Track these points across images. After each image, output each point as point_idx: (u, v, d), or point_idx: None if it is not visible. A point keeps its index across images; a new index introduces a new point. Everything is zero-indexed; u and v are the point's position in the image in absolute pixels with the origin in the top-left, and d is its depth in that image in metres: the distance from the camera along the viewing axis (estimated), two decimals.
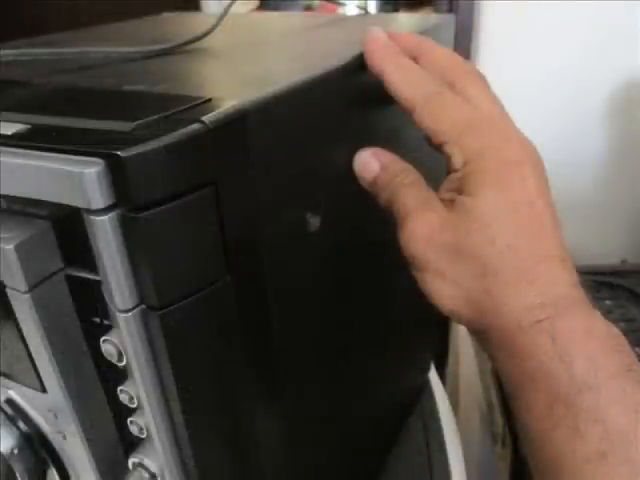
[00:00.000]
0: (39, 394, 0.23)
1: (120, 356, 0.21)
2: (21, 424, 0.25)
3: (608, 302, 0.81)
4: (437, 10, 1.00)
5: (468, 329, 0.27)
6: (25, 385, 0.24)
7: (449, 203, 0.26)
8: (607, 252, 1.02)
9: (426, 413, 0.56)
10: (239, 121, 0.21)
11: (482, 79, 0.29)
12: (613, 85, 0.97)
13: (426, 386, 0.60)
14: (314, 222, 0.27)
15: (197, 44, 0.34)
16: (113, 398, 0.23)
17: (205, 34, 0.34)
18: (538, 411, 0.23)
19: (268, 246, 0.24)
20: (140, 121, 0.19)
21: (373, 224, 0.33)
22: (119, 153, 0.17)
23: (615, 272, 0.88)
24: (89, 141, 0.18)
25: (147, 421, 0.22)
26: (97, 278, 0.20)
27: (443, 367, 1.02)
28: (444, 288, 0.26)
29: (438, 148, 0.27)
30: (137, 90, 0.24)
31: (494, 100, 0.28)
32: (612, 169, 1.03)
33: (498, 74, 0.49)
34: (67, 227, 0.20)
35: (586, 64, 0.96)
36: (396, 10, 1.14)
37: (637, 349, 0.64)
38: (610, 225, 1.07)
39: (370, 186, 0.29)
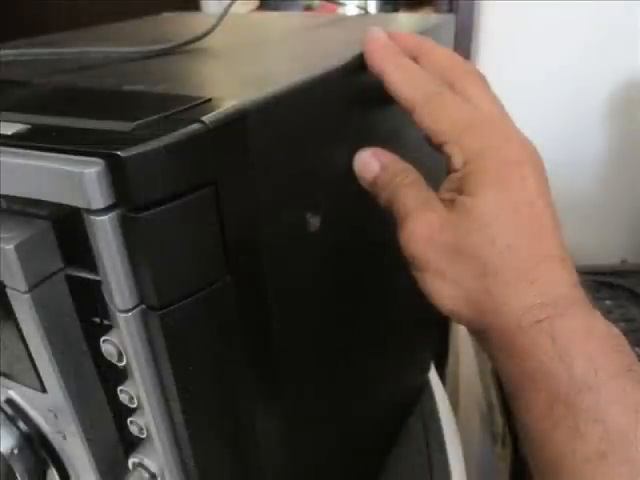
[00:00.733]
0: (39, 394, 0.23)
1: (120, 356, 0.21)
2: (21, 424, 0.25)
3: (608, 302, 0.81)
4: (437, 10, 1.00)
5: (468, 329, 0.27)
6: (25, 385, 0.24)
7: (449, 203, 0.26)
8: (607, 252, 1.02)
9: (426, 413, 0.56)
10: (239, 121, 0.21)
11: (482, 79, 0.29)
12: (613, 85, 0.97)
13: (426, 386, 0.60)
14: (314, 222, 0.27)
15: (197, 44, 0.34)
16: (113, 398, 0.23)
17: (205, 34, 0.34)
18: (538, 411, 0.23)
19: (268, 246, 0.24)
20: (140, 121, 0.19)
21: (373, 224, 0.33)
22: (119, 153, 0.17)
23: (615, 272, 0.88)
24: (89, 141, 0.18)
25: (147, 421, 0.22)
26: (97, 278, 0.20)
27: (443, 367, 1.02)
28: (444, 288, 0.26)
29: (438, 148, 0.27)
30: (137, 90, 0.24)
31: (494, 100, 0.28)
32: (612, 169, 1.03)
33: (498, 74, 0.49)
34: (67, 227, 0.20)
35: (586, 64, 0.96)
36: (396, 10, 1.14)
37: (637, 349, 0.64)
38: (610, 225, 1.07)
39: (370, 186, 0.29)
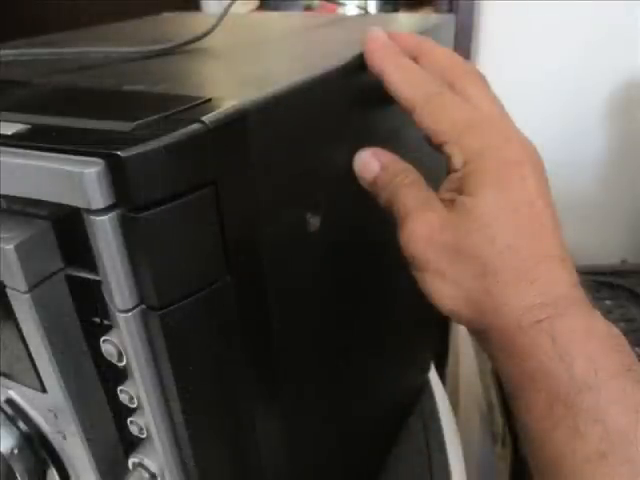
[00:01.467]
0: (39, 394, 0.23)
1: (120, 356, 0.21)
2: (21, 424, 0.25)
3: (608, 302, 0.81)
4: (437, 10, 1.00)
5: (468, 329, 0.27)
6: (25, 385, 0.24)
7: (449, 203, 0.26)
8: (607, 252, 1.02)
9: (426, 413, 0.56)
10: (239, 121, 0.21)
11: (482, 79, 0.29)
12: (613, 85, 0.97)
13: (426, 386, 0.60)
14: (314, 222, 0.27)
15: (197, 44, 0.34)
16: (113, 398, 0.23)
17: (205, 34, 0.34)
18: (538, 411, 0.23)
19: (268, 246, 0.24)
20: (140, 121, 0.19)
21: (373, 224, 0.33)
22: (119, 153, 0.17)
23: (615, 272, 0.88)
24: (89, 141, 0.18)
25: (147, 421, 0.22)
26: (97, 278, 0.20)
27: (443, 367, 1.02)
28: (444, 288, 0.26)
29: (438, 148, 0.27)
30: (137, 90, 0.24)
31: (494, 100, 0.28)
32: (612, 169, 1.03)
33: (498, 74, 0.49)
34: (67, 227, 0.20)
35: (586, 64, 0.96)
36: (396, 10, 1.14)
37: (637, 349, 0.64)
38: (610, 225, 1.07)
39: (370, 186, 0.29)
